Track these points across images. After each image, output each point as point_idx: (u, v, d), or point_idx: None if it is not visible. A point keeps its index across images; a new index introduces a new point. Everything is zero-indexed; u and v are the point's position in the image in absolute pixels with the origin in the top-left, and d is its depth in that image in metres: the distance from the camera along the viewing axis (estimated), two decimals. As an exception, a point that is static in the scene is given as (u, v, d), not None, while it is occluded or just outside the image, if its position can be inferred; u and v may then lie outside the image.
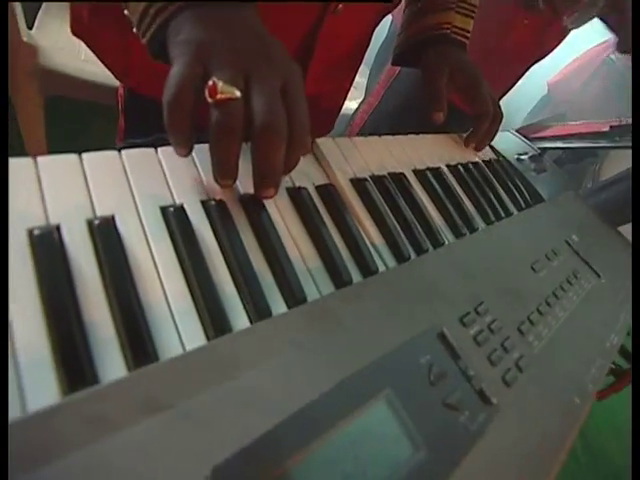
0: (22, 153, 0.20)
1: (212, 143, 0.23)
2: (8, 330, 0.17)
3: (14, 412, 0.15)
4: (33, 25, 0.61)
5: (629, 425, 0.30)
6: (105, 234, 0.20)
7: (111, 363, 0.17)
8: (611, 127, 0.62)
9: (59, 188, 0.21)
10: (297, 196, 0.27)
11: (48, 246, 0.19)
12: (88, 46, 0.47)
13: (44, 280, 0.18)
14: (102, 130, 0.87)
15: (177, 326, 0.19)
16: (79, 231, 0.20)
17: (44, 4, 0.64)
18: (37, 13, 0.63)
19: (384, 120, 0.73)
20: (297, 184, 0.28)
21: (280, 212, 0.26)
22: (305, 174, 0.30)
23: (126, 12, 0.28)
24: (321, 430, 0.19)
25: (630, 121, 0.60)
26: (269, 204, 0.26)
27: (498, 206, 0.42)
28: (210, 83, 0.22)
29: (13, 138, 0.66)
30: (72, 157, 0.23)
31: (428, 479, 0.20)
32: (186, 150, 0.24)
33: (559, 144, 0.65)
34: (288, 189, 0.28)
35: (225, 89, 0.22)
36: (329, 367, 0.21)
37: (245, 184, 0.26)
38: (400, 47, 0.50)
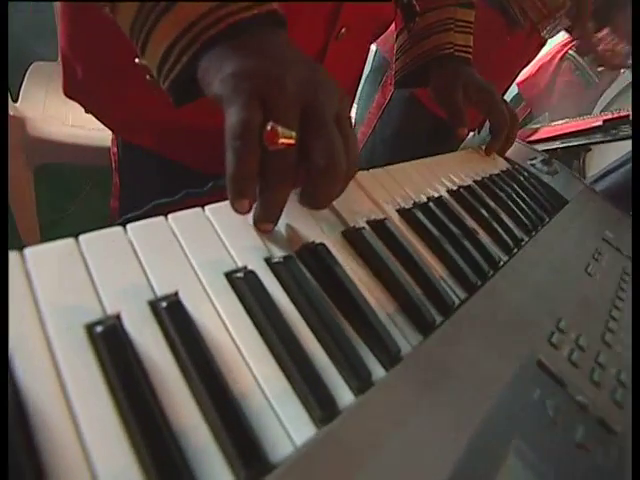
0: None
1: (264, 188, 0.22)
2: (85, 456, 0.13)
3: None
4: (18, 97, 0.59)
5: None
6: (175, 316, 0.17)
7: (218, 478, 0.14)
8: (604, 121, 0.65)
9: (108, 268, 0.18)
10: (357, 238, 0.25)
11: (113, 343, 0.16)
12: (82, 105, 0.45)
13: (117, 385, 0.15)
14: (91, 195, 0.84)
15: (278, 415, 0.16)
16: (143, 317, 0.17)
17: (27, 75, 0.62)
18: (21, 85, 0.61)
19: (379, 148, 0.75)
20: (351, 224, 0.26)
21: (344, 258, 0.24)
22: (354, 212, 0.28)
23: (137, 60, 0.27)
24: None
25: (623, 113, 0.62)
26: (333, 250, 0.24)
27: (531, 214, 0.41)
28: (268, 128, 0.20)
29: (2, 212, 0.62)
30: (117, 230, 0.20)
31: None
32: (251, 203, 0.22)
33: (558, 144, 0.67)
34: (345, 231, 0.26)
35: (285, 134, 0.20)
36: (449, 423, 0.18)
37: (305, 232, 0.24)
38: (403, 70, 0.50)
